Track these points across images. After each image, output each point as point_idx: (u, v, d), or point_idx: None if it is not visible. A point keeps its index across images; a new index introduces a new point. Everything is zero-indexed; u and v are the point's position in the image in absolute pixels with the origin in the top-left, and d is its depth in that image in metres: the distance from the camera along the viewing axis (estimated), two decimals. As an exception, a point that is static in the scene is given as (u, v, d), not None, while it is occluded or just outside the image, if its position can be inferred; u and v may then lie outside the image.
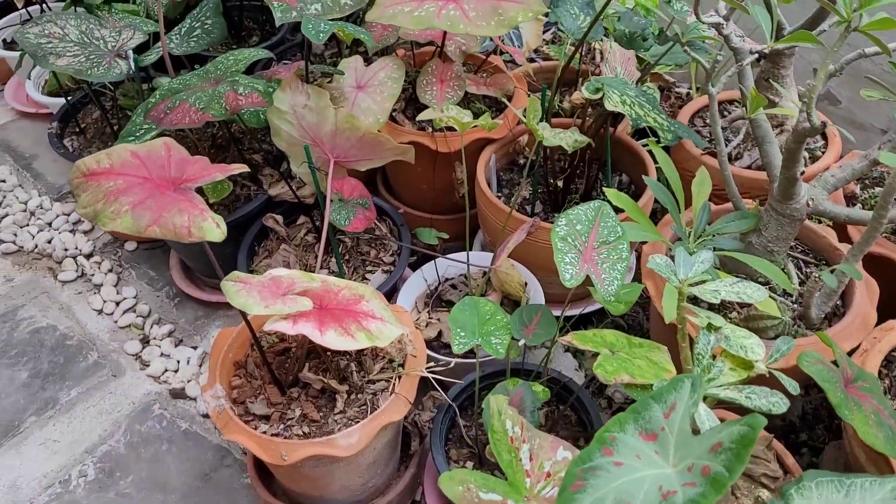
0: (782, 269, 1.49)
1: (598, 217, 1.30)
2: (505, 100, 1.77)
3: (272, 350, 1.40)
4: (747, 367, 1.10)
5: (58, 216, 2.25)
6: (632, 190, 1.80)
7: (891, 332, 1.41)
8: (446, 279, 1.71)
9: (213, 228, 1.16)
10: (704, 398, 1.06)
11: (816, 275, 1.34)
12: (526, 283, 1.68)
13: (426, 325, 1.58)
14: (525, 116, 1.41)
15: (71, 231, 2.21)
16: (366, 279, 1.65)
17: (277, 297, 1.19)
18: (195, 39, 1.71)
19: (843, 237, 1.60)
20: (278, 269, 1.26)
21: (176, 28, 1.78)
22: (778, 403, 1.03)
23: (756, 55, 1.28)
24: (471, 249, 1.96)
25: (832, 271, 1.35)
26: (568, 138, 1.42)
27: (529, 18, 1.49)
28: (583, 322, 1.87)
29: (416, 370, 1.30)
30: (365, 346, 1.10)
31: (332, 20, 1.45)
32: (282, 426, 1.26)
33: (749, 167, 1.77)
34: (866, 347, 1.38)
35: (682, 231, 1.38)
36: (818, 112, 1.16)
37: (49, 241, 2.17)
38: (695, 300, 1.41)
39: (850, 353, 1.36)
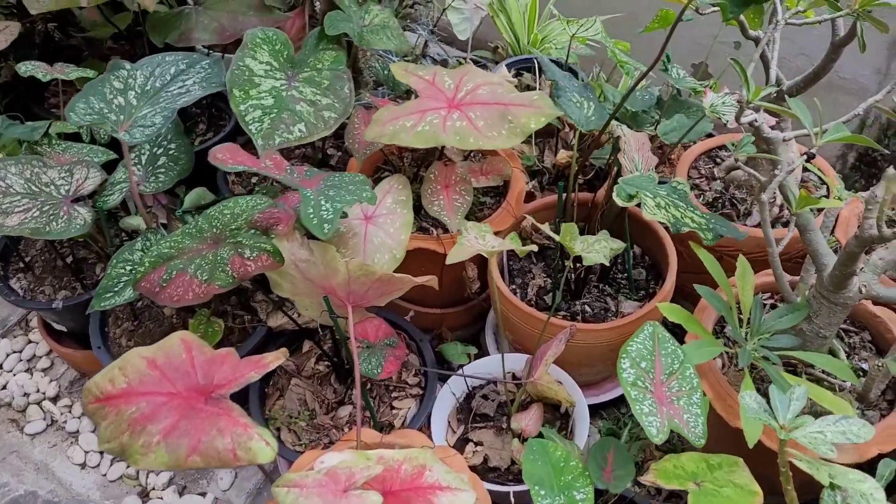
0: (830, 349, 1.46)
1: (656, 345, 1.22)
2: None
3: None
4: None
5: (7, 355, 2.00)
6: (646, 262, 1.73)
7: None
8: (475, 388, 1.60)
9: (263, 448, 1.02)
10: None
11: (879, 364, 1.31)
12: (560, 382, 1.59)
13: (472, 454, 1.47)
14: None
15: (27, 371, 1.97)
16: (394, 409, 1.52)
17: (340, 495, 1.06)
18: (162, 172, 1.51)
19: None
20: (329, 456, 1.12)
21: (133, 155, 1.57)
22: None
23: (805, 158, 1.21)
24: (483, 337, 1.87)
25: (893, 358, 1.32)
26: (603, 249, 1.33)
27: (543, 124, 1.38)
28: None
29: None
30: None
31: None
32: None
33: (757, 225, 1.73)
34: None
35: (740, 336, 1.32)
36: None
37: (4, 387, 1.93)
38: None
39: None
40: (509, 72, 2.45)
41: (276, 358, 1.07)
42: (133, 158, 1.57)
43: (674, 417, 1.15)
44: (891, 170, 1.09)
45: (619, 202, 1.32)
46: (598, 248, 1.35)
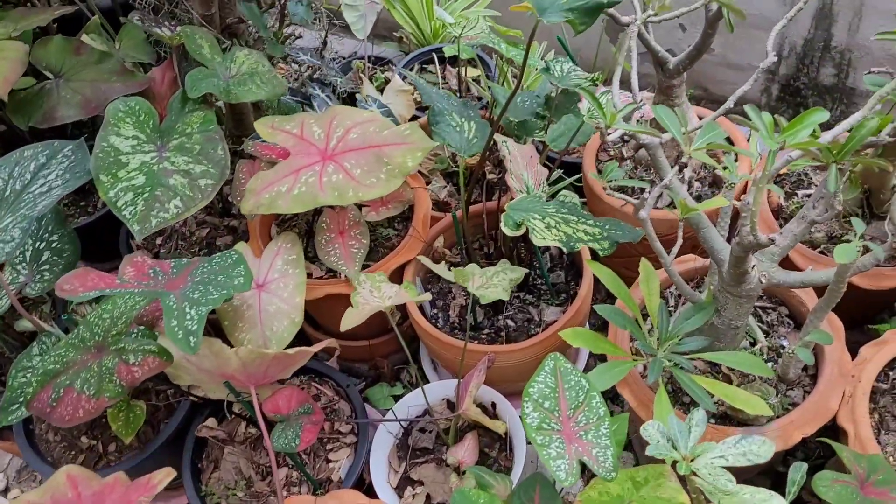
0: (746, 332, 1.45)
1: (558, 380, 1.21)
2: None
3: None
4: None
5: (-47, 452, 1.98)
6: (564, 261, 1.70)
7: (865, 365, 1.40)
8: (411, 424, 1.59)
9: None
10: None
11: (791, 350, 1.30)
12: (494, 403, 1.58)
13: (412, 498, 1.47)
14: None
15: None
16: (330, 462, 1.51)
17: None
18: (47, 269, 1.46)
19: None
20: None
21: (17, 254, 1.52)
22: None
23: (678, 169, 1.17)
24: (416, 364, 1.84)
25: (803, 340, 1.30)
26: (502, 283, 1.30)
27: (420, 159, 1.34)
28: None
29: None
30: None
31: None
32: None
33: (670, 205, 1.70)
34: (850, 392, 1.37)
35: (649, 347, 1.30)
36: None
37: (-46, 486, 1.92)
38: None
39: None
40: (414, 66, 2.38)
41: (164, 476, 1.05)
42: (18, 257, 1.51)
43: (583, 454, 1.13)
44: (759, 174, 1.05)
45: (508, 232, 1.28)
46: (496, 283, 1.32)
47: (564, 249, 1.28)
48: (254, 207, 1.30)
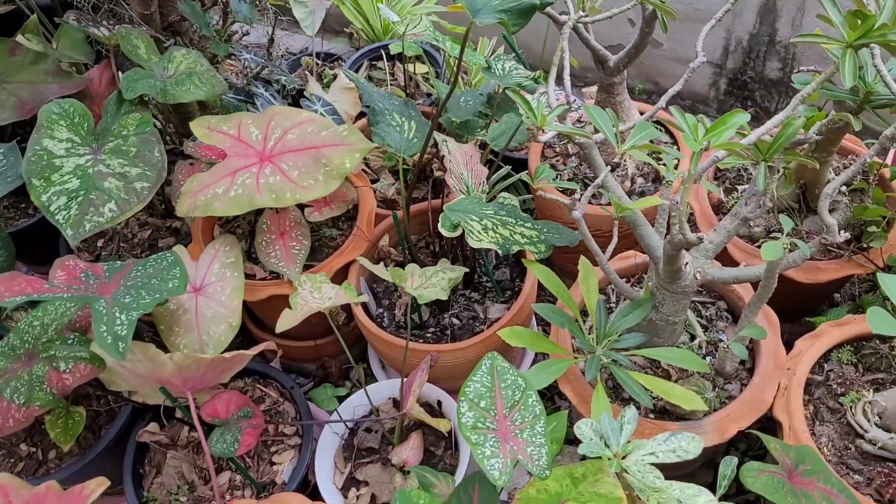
0: (685, 327, 1.47)
1: (494, 377, 1.21)
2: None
3: None
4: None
5: None
6: (510, 258, 1.71)
7: (799, 357, 1.43)
8: (357, 424, 1.59)
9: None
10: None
11: (725, 346, 1.32)
12: (440, 402, 1.58)
13: (357, 499, 1.47)
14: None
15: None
16: (274, 465, 1.50)
17: None
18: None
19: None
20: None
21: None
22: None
23: (610, 168, 1.18)
24: (364, 363, 1.84)
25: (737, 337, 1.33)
26: (441, 282, 1.30)
27: (358, 160, 1.33)
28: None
29: None
30: None
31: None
32: None
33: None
34: (785, 385, 1.40)
35: (588, 345, 1.31)
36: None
37: None
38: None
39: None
40: (363, 63, 2.36)
41: (97, 486, 1.03)
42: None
43: (518, 453, 1.14)
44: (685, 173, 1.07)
45: (446, 233, 1.28)
46: (435, 283, 1.32)
47: (500, 252, 1.28)
48: (189, 210, 1.29)
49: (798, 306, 1.70)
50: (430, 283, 1.31)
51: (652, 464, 1.05)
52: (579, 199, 1.23)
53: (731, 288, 1.50)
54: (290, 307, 1.42)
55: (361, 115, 1.99)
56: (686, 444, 1.06)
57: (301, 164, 1.32)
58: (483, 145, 1.67)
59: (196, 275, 1.37)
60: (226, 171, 1.33)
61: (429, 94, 2.19)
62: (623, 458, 1.07)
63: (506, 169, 2.02)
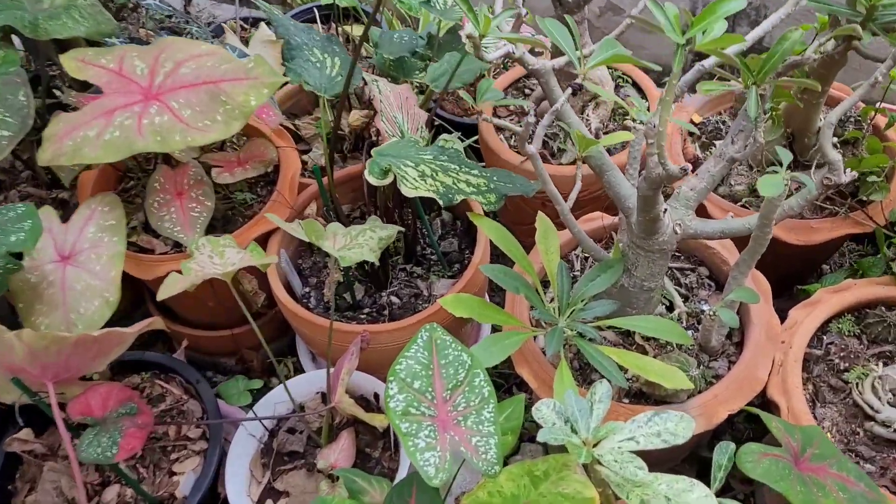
0: (662, 295, 1.25)
1: (433, 352, 0.97)
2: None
3: None
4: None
5: None
6: (458, 228, 1.48)
7: (796, 329, 1.23)
8: (278, 423, 1.34)
9: None
10: None
11: (711, 312, 1.10)
12: (377, 395, 1.34)
13: (275, 512, 1.22)
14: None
15: None
16: (174, 475, 1.24)
17: None
18: None
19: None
20: None
21: None
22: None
23: (571, 90, 0.97)
24: (294, 359, 1.59)
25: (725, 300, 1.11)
26: (369, 242, 1.07)
27: (267, 97, 1.09)
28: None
29: None
30: None
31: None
32: None
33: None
34: (780, 360, 1.19)
35: (549, 315, 1.08)
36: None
37: None
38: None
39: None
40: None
41: None
42: None
43: (460, 444, 0.90)
44: (663, 91, 0.85)
45: (373, 180, 1.05)
46: (362, 242, 1.08)
47: (441, 202, 1.05)
48: (54, 157, 1.03)
49: (786, 275, 1.49)
50: (355, 242, 1.07)
51: (632, 451, 0.83)
52: (533, 131, 1.01)
53: (713, 250, 1.29)
54: (200, 291, 1.17)
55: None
56: (674, 426, 0.83)
57: (195, 102, 1.08)
58: (423, 92, 1.44)
59: (65, 239, 1.11)
60: (101, 110, 1.07)
61: (369, 58, 1.96)
62: (595, 445, 0.84)
63: (455, 135, 1.79)
